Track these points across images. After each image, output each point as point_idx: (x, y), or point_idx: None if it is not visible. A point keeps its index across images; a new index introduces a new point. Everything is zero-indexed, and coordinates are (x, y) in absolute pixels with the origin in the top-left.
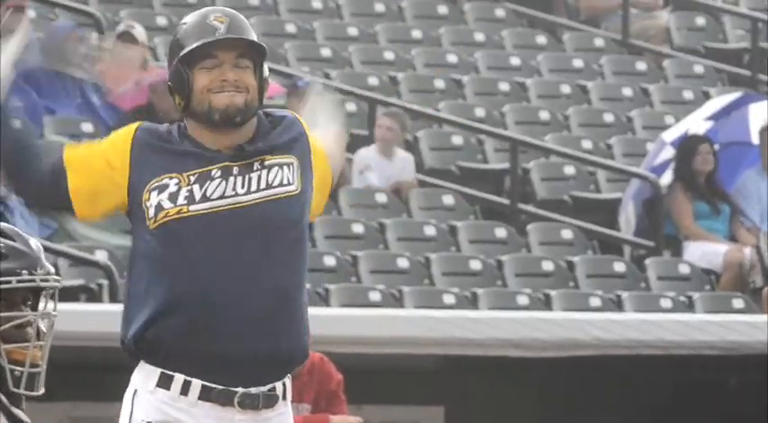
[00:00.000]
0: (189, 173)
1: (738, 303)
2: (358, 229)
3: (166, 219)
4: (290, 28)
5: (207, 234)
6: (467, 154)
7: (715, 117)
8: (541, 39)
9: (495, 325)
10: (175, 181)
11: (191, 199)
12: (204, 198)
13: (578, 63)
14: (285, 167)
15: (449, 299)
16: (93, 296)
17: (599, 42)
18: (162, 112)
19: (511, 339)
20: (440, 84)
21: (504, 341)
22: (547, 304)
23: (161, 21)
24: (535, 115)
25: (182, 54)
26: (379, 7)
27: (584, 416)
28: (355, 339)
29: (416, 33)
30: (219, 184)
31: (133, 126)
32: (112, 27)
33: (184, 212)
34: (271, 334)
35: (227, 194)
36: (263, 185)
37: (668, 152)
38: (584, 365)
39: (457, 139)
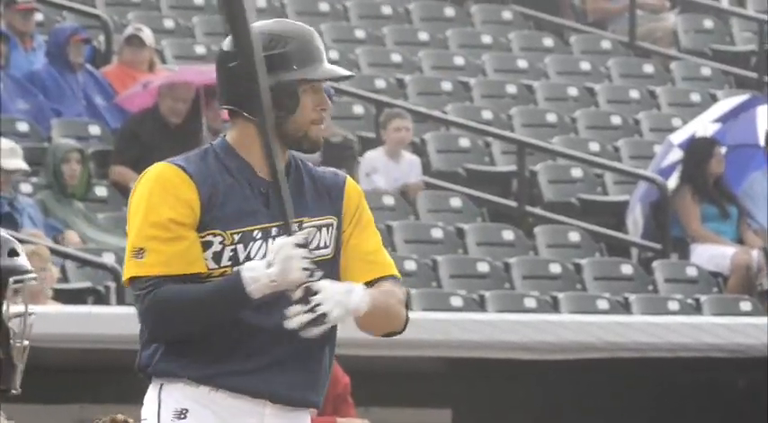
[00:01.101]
0: (232, 231)
1: (746, 306)
2: None
3: (209, 278)
4: None
5: None
6: (474, 156)
7: (722, 119)
8: (548, 41)
9: (502, 327)
10: (219, 239)
11: (235, 260)
12: (248, 259)
13: (585, 65)
14: (324, 229)
15: (456, 301)
16: (101, 298)
17: (606, 45)
18: (166, 115)
19: (518, 342)
20: (447, 86)
21: (511, 344)
22: (554, 307)
23: (168, 23)
24: (542, 117)
25: (312, 77)
26: (386, 10)
27: (592, 418)
28: (362, 342)
29: (423, 36)
30: (261, 246)
31: (178, 169)
32: (120, 30)
33: (228, 274)
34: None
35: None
36: None
37: (676, 154)
38: (592, 368)
39: (464, 142)
